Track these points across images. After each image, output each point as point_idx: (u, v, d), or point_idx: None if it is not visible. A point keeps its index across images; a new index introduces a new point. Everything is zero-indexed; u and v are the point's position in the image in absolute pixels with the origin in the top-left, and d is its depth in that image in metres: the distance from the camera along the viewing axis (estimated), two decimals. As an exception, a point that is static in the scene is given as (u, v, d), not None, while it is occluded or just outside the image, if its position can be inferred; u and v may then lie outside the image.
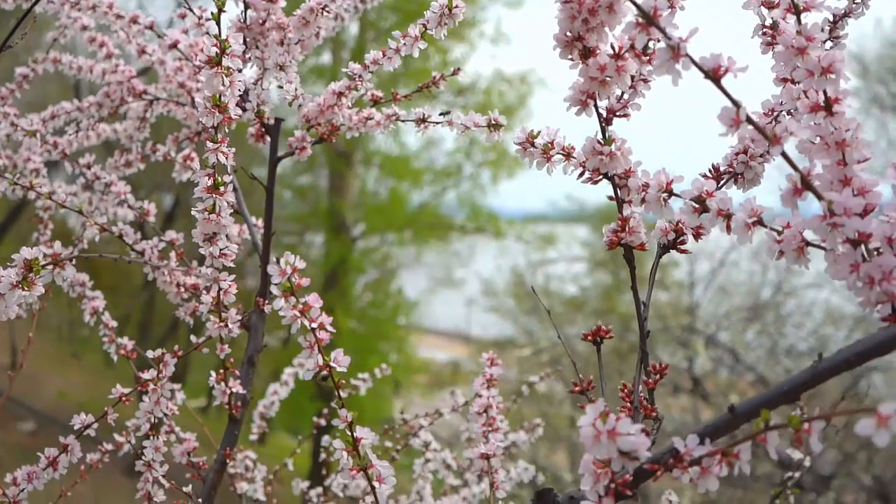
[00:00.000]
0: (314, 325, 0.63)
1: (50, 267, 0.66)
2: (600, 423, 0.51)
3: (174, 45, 1.05)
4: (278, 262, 0.62)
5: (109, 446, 1.15)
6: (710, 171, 0.70)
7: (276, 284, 0.62)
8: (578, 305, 10.29)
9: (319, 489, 1.31)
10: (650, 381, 0.63)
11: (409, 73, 9.09)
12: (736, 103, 0.51)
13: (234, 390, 0.98)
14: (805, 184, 0.52)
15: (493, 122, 0.85)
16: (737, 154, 0.69)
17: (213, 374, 0.97)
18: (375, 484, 0.65)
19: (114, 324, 1.10)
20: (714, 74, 0.51)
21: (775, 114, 0.70)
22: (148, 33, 1.15)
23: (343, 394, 0.67)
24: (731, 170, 0.69)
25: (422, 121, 0.96)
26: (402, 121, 0.97)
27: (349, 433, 0.65)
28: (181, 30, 1.11)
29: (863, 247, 0.53)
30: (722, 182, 0.70)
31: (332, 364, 0.64)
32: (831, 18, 0.75)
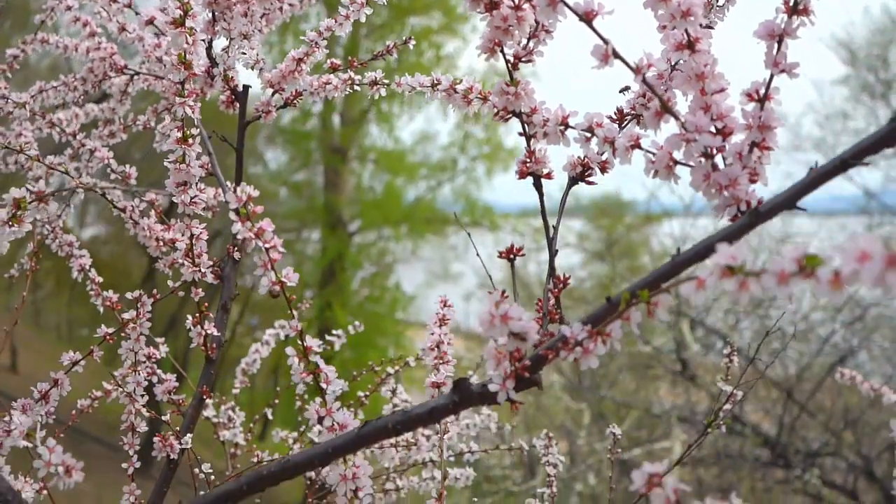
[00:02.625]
0: (267, 245, 0.73)
1: (35, 203, 0.76)
2: (495, 308, 0.60)
3: (150, 22, 1.14)
4: (235, 190, 0.71)
5: (98, 393, 1.25)
6: (615, 112, 0.80)
7: (233, 210, 0.72)
8: (574, 296, 10.40)
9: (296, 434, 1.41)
10: (556, 290, 0.73)
11: (404, 67, 9.18)
12: (605, 41, 0.61)
13: (209, 332, 1.08)
14: (664, 108, 0.62)
15: (435, 81, 0.94)
16: (637, 97, 0.79)
17: (190, 317, 1.07)
18: (323, 385, 0.75)
19: (99, 279, 1.19)
20: (587, 17, 0.61)
21: (672, 63, 0.79)
22: (128, 12, 1.25)
23: (295, 312, 0.77)
24: (633, 111, 0.79)
25: (374, 83, 1.06)
26: (358, 84, 1.07)
27: (300, 342, 0.75)
28: (158, 7, 1.21)
29: (721, 160, 0.64)
30: (626, 122, 0.79)
31: (284, 279, 0.74)
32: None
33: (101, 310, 1.19)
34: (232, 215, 0.72)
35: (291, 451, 1.41)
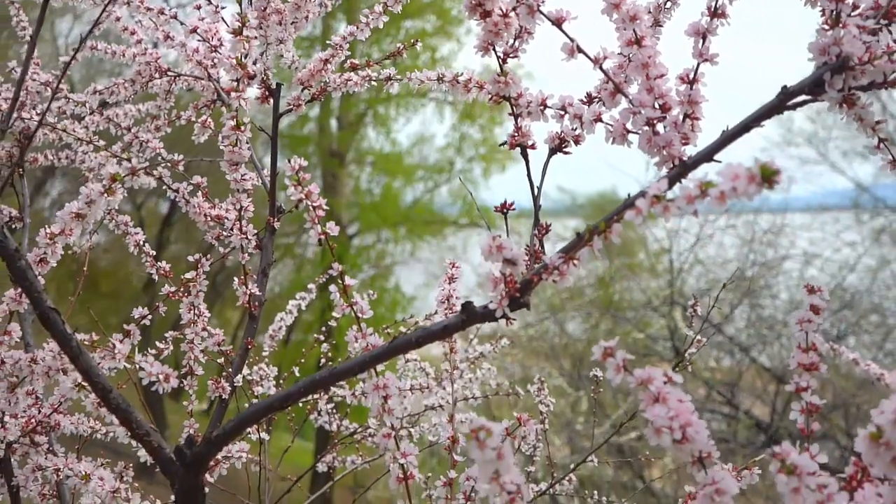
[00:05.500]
0: (315, 204, 0.93)
1: (129, 176, 0.96)
2: (492, 241, 0.80)
3: (194, 30, 1.35)
4: (289, 160, 0.91)
5: (153, 351, 1.45)
6: (585, 95, 1.00)
7: (288, 176, 0.92)
8: (573, 294, 10.58)
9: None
10: (539, 234, 0.93)
11: (400, 70, 9.40)
12: (572, 39, 0.81)
13: (252, 292, 1.28)
14: (616, 89, 0.82)
15: (440, 76, 1.15)
16: (602, 83, 0.99)
17: (236, 279, 1.27)
18: (359, 315, 0.95)
19: (153, 252, 1.39)
20: (558, 22, 0.81)
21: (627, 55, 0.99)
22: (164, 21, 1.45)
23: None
24: (598, 94, 0.99)
25: (388, 79, 1.26)
26: (375, 80, 1.27)
27: (340, 281, 0.95)
28: (199, 17, 1.41)
29: (661, 127, 0.84)
30: (593, 103, 0.99)
31: (328, 230, 0.94)
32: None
33: (157, 278, 1.39)
34: (286, 181, 0.92)
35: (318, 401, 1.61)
